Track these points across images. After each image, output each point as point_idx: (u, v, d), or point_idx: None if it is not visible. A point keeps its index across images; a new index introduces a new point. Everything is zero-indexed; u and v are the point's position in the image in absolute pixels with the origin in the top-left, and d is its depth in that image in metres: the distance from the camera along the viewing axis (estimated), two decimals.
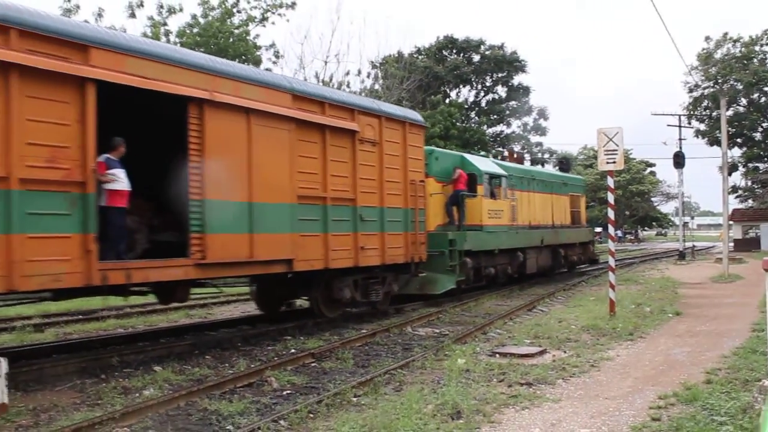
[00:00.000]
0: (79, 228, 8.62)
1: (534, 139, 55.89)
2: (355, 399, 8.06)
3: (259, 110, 11.23)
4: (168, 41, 27.07)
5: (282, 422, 7.06)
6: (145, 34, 26.88)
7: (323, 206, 12.71)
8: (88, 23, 12.23)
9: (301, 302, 16.23)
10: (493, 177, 20.20)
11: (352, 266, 13.48)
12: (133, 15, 28.38)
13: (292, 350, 11.23)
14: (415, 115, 16.07)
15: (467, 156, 20.50)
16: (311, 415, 7.35)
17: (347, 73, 37.55)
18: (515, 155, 26.20)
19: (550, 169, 30.90)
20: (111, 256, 9.39)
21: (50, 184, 8.33)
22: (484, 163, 20.60)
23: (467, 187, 18.79)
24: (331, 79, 33.58)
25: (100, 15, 26.72)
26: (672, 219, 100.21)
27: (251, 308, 16.90)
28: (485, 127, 50.72)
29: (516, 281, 21.63)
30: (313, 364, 10.19)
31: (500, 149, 50.17)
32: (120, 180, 9.74)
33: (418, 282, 16.75)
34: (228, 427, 7.05)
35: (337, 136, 13.06)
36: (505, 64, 50.71)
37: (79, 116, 8.64)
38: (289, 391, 8.62)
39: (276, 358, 10.44)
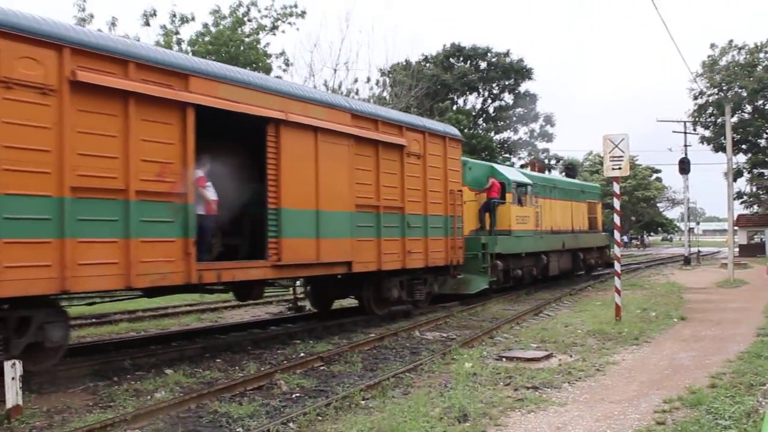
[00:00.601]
0: (181, 233, 9.87)
1: (541, 145, 55.55)
2: (363, 402, 8.08)
3: (324, 128, 12.51)
4: (180, 50, 27.23)
5: (291, 425, 7.07)
6: (158, 43, 27.03)
7: (377, 214, 13.99)
8: (188, 55, 13.72)
9: (341, 302, 17.65)
10: (520, 185, 21.43)
11: (400, 268, 14.71)
12: (147, 24, 28.55)
13: (302, 354, 11.29)
14: (454, 131, 17.27)
15: (496, 166, 21.92)
16: (320, 418, 7.37)
17: (356, 81, 37.80)
18: (537, 164, 27.62)
19: (556, 176, 32.42)
20: (204, 258, 10.47)
21: (159, 195, 9.57)
22: (512, 173, 21.90)
23: (498, 194, 20.00)
24: (340, 87, 33.63)
25: (113, 24, 26.87)
26: (677, 224, 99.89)
27: (261, 312, 17.44)
28: (492, 133, 50.46)
29: (540, 281, 23.23)
30: (322, 368, 10.22)
31: (507, 155, 50.20)
32: (211, 191, 10.77)
33: (454, 282, 17.82)
34: (238, 430, 7.08)
35: (388, 151, 14.33)
36: (512, 71, 50.20)
37: (181, 136, 9.88)
38: (298, 394, 8.66)
39: (285, 362, 10.49)
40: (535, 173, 25.01)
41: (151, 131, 9.44)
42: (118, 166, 9.05)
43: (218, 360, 10.77)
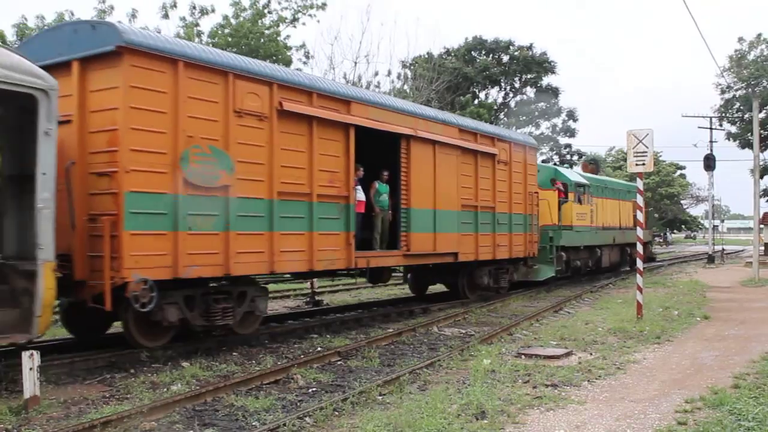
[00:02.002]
0: (344, 227, 12.96)
1: (563, 140, 54.99)
2: (380, 397, 8.23)
3: (440, 141, 15.81)
4: (200, 42, 27.46)
5: (307, 419, 7.23)
6: (178, 35, 27.23)
7: (475, 212, 17.23)
8: (350, 85, 16.81)
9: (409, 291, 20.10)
10: (579, 186, 24.78)
11: (491, 259, 17.95)
12: (166, 16, 28.74)
13: (319, 348, 11.60)
14: (532, 140, 20.73)
15: (559, 168, 25.40)
16: (336, 413, 7.51)
17: (376, 74, 38.94)
18: (589, 166, 30.78)
19: (606, 177, 35.99)
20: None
21: (330, 198, 12.62)
22: (573, 175, 25.25)
23: (561, 194, 23.44)
24: (359, 80, 33.95)
25: (134, 16, 27.10)
26: (701, 222, 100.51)
27: (279, 306, 18.02)
28: (514, 128, 50.65)
29: (594, 272, 26.69)
30: (339, 362, 10.48)
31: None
32: (361, 193, 13.66)
33: (525, 271, 20.60)
34: (254, 423, 7.23)
35: (484, 159, 17.61)
36: (534, 65, 49.26)
37: (345, 150, 13.03)
38: (314, 389, 8.85)
39: (302, 356, 10.77)
40: (590, 174, 28.23)
41: (325, 147, 12.51)
42: (305, 175, 12.09)
43: (235, 353, 11.05)
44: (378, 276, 15.44)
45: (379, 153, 14.68)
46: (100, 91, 9.64)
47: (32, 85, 8.36)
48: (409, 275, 19.36)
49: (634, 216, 31.60)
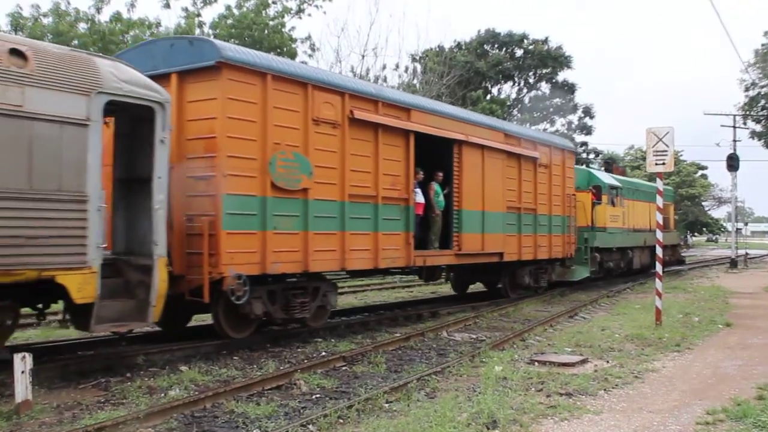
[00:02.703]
0: (404, 228, 14.27)
1: (579, 138, 54.34)
2: (386, 405, 8.22)
3: (488, 146, 16.87)
4: (202, 33, 27.48)
5: (311, 427, 7.23)
6: (179, 26, 27.16)
7: (518, 214, 18.59)
8: (410, 93, 18.74)
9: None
10: (612, 188, 26.14)
11: (532, 259, 19.32)
12: (167, 5, 28.65)
13: (323, 353, 11.67)
14: (570, 144, 22.39)
15: (593, 171, 26.76)
16: (341, 421, 7.50)
17: (384, 68, 38.64)
18: (619, 169, 32.23)
19: (637, 179, 37.35)
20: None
21: (392, 200, 13.94)
22: (606, 177, 26.58)
23: (595, 196, 24.77)
24: (367, 73, 34.10)
25: (132, 5, 27.06)
26: (724, 225, 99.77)
27: None
28: (528, 125, 48.93)
29: (625, 274, 27.96)
30: (344, 368, 10.51)
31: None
32: (420, 195, 14.94)
33: (561, 271, 21.89)
34: (254, 431, 7.24)
35: (526, 162, 18.96)
36: (550, 59, 49.15)
37: (405, 155, 14.33)
38: (318, 395, 8.86)
39: (306, 361, 10.83)
40: (621, 177, 29.69)
41: (388, 152, 13.83)
42: (371, 178, 13.40)
43: (235, 357, 11.10)
44: (431, 275, 16.82)
45: (426, 155, 15.67)
46: (197, 102, 10.92)
47: (151, 98, 9.56)
48: (451, 274, 20.70)
49: (665, 218, 32.95)
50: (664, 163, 15.12)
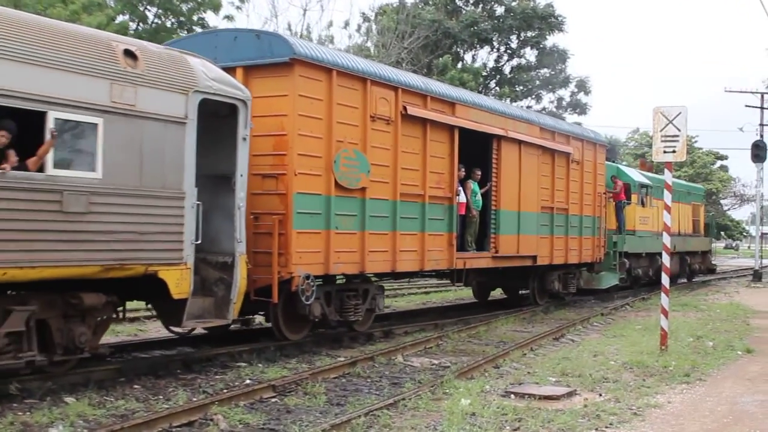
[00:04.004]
0: (447, 228, 16.91)
1: (571, 118, 53.08)
2: None
3: (525, 141, 19.45)
4: None
5: None
6: None
7: (551, 214, 21.42)
8: (455, 87, 21.19)
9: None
10: (643, 186, 28.98)
11: (563, 263, 22.07)
12: None
13: (247, 381, 11.81)
14: (601, 137, 25.22)
15: (621, 167, 29.45)
16: None
17: (330, 25, 40.33)
18: (646, 164, 35.30)
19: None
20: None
21: (437, 199, 16.60)
22: (635, 174, 29.39)
23: (625, 196, 27.48)
24: (308, 32, 36.26)
25: None
26: (746, 228, 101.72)
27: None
28: (508, 100, 47.63)
29: (653, 283, 30.18)
30: (273, 400, 10.63)
31: None
32: (462, 195, 17.49)
33: (587, 277, 24.80)
34: None
35: (559, 158, 21.84)
36: (537, 19, 48.58)
37: (450, 152, 17.03)
38: None
39: (225, 390, 10.96)
40: (649, 173, 32.57)
41: (435, 149, 16.48)
42: (419, 177, 16.04)
43: (137, 386, 11.14)
44: (460, 278, 19.22)
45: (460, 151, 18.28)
46: (266, 98, 13.28)
47: (235, 96, 12.07)
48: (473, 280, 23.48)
49: (693, 221, 36.41)
50: (674, 151, 15.20)
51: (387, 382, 12.05)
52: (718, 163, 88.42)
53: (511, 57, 52.19)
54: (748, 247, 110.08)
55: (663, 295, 15.38)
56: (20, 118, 9.68)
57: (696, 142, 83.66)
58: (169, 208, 11.04)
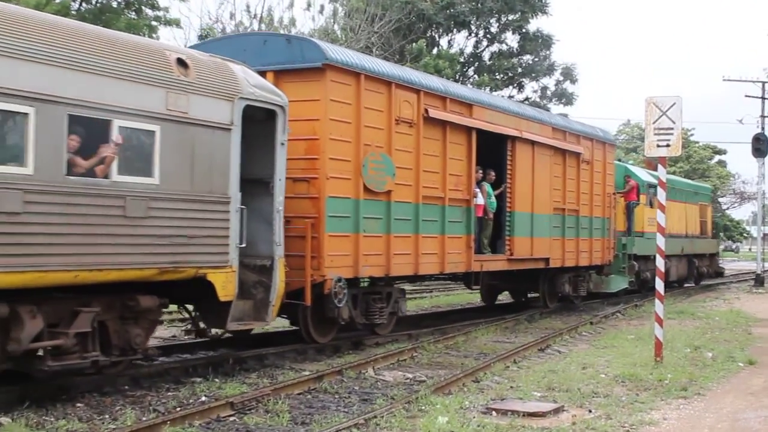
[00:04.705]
0: (465, 231, 18.77)
1: (556, 109, 53.22)
2: None
3: (538, 141, 21.32)
4: None
5: None
6: None
7: (563, 216, 23.50)
8: (471, 88, 23.17)
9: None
10: (651, 186, 30.86)
11: (574, 265, 24.08)
12: None
13: (203, 398, 11.89)
14: (610, 136, 27.35)
15: (629, 166, 31.96)
16: None
17: (291, 6, 40.88)
18: (653, 163, 37.05)
19: (673, 176, 42.57)
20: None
21: (455, 201, 18.42)
22: (643, 174, 31.44)
23: (636, 197, 29.53)
24: (269, 14, 37.46)
25: None
26: (747, 229, 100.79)
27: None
28: (487, 89, 46.97)
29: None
30: (231, 419, 10.75)
31: None
32: (480, 198, 19.22)
33: (596, 281, 26.61)
34: None
35: (570, 158, 24.02)
36: (519, 1, 48.90)
37: (467, 153, 18.88)
38: None
39: (179, 409, 11.03)
40: (655, 172, 34.61)
41: (453, 151, 18.31)
42: (439, 179, 17.83)
43: (80, 405, 11.21)
44: (471, 281, 21.15)
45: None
46: (297, 102, 14.71)
47: (274, 102, 13.71)
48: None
49: (701, 222, 38.59)
50: (668, 145, 15.41)
51: (357, 399, 12.18)
52: (716, 158, 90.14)
53: (490, 42, 52.42)
54: (749, 249, 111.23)
55: (657, 301, 15.67)
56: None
57: (692, 135, 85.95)
58: (216, 213, 12.60)
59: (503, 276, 22.99)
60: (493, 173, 20.57)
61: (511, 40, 52.50)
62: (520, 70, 53.15)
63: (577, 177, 24.30)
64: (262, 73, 14.75)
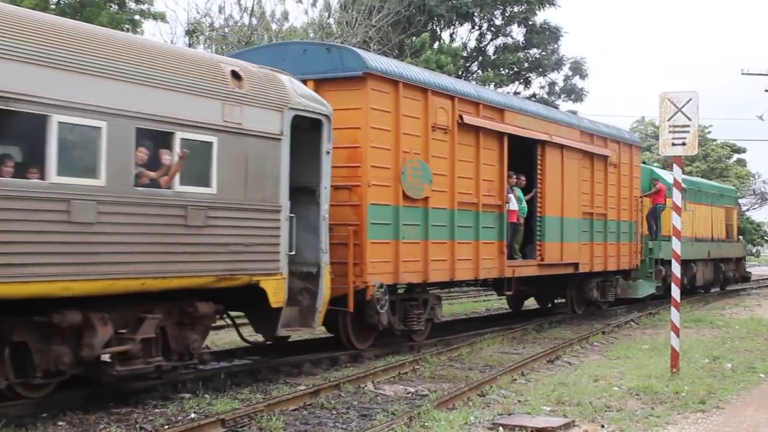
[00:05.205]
0: (498, 236, 20.18)
1: (565, 105, 53.99)
2: None
3: (567, 145, 22.75)
4: None
5: None
6: None
7: (591, 220, 24.98)
8: (504, 93, 24.41)
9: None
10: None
11: (602, 270, 25.47)
12: None
13: (192, 414, 11.97)
14: (636, 138, 29.26)
15: (655, 169, 33.32)
16: None
17: None
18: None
19: (699, 178, 45.63)
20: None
21: (488, 207, 19.70)
22: (669, 176, 32.92)
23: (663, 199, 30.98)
24: (261, 7, 38.17)
25: None
26: None
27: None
28: (492, 85, 48.28)
29: (688, 292, 33.61)
30: None
31: None
32: (513, 203, 20.54)
33: (622, 286, 28.17)
34: None
35: (598, 162, 25.48)
36: None
37: (499, 158, 20.21)
38: None
39: (167, 427, 11.08)
40: (683, 175, 35.42)
41: (486, 156, 19.66)
42: (473, 185, 19.18)
43: (61, 423, 11.30)
44: (501, 287, 22.57)
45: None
46: (338, 110, 15.88)
47: (320, 112, 15.02)
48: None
49: (726, 225, 40.15)
50: (684, 143, 15.51)
51: (355, 414, 12.28)
52: (735, 156, 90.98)
53: (495, 35, 52.37)
54: None
55: (673, 309, 15.76)
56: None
57: (709, 132, 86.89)
58: (268, 221, 13.86)
59: (531, 282, 24.10)
60: (523, 178, 21.87)
61: (517, 33, 52.33)
62: (526, 64, 52.95)
63: (604, 180, 25.79)
64: (303, 82, 15.93)
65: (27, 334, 11.28)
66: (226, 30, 38.72)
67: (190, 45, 35.80)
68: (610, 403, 12.83)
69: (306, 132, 14.94)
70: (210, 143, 12.93)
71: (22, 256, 10.45)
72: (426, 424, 11.21)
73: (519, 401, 12.98)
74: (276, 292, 13.98)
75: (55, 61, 10.86)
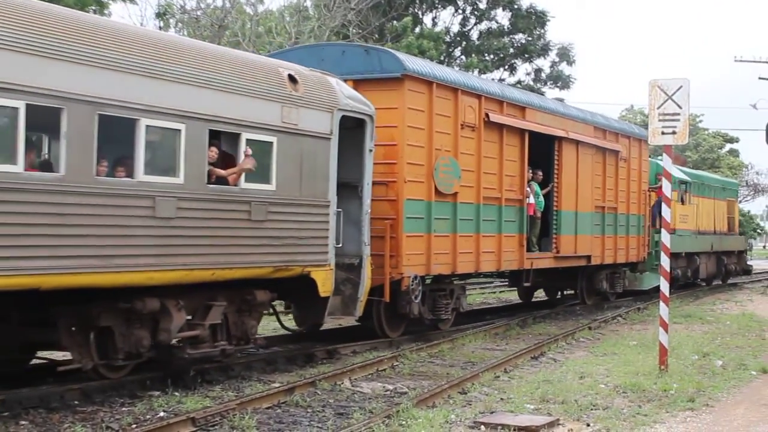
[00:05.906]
0: (517, 230, 22.02)
1: (551, 93, 54.05)
2: None
3: (582, 141, 24.57)
4: None
5: None
6: None
7: (603, 214, 27.05)
8: (524, 91, 26.68)
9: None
10: (682, 182, 34.54)
11: (612, 262, 27.17)
12: None
13: (161, 413, 11.97)
14: (644, 132, 29.89)
15: (661, 163, 33.34)
16: None
17: None
18: (681, 158, 42.28)
19: (701, 172, 47.37)
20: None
21: (510, 201, 21.52)
22: (675, 170, 34.32)
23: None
24: None
25: None
26: (761, 224, 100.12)
27: None
28: (476, 72, 47.72)
29: (690, 285, 36.52)
30: None
31: None
32: (532, 197, 22.36)
33: (628, 277, 30.12)
34: None
35: (610, 156, 27.31)
36: None
37: (520, 155, 22.04)
38: None
39: (134, 426, 11.04)
40: (687, 169, 38.80)
41: (508, 153, 21.42)
42: (496, 180, 20.95)
43: (24, 422, 11.22)
44: (518, 280, 24.90)
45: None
46: (376, 110, 17.35)
47: (364, 112, 16.63)
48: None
49: (728, 218, 42.19)
50: (674, 132, 15.48)
51: (331, 413, 12.32)
52: (728, 146, 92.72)
53: (479, 19, 52.60)
54: (764, 246, 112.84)
55: (662, 304, 15.76)
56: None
57: (701, 121, 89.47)
58: (319, 215, 15.46)
59: (543, 273, 25.74)
60: (540, 173, 23.60)
61: (502, 17, 52.59)
62: (511, 50, 53.38)
63: (615, 175, 27.75)
64: (342, 82, 17.44)
65: (112, 320, 12.80)
66: (198, 13, 39.17)
67: (160, 28, 36.29)
68: (596, 401, 12.93)
69: (350, 130, 16.43)
70: (270, 143, 14.46)
71: (114, 248, 11.98)
72: (405, 422, 11.27)
73: (502, 399, 13.10)
74: (324, 282, 15.56)
75: (143, 69, 12.38)
